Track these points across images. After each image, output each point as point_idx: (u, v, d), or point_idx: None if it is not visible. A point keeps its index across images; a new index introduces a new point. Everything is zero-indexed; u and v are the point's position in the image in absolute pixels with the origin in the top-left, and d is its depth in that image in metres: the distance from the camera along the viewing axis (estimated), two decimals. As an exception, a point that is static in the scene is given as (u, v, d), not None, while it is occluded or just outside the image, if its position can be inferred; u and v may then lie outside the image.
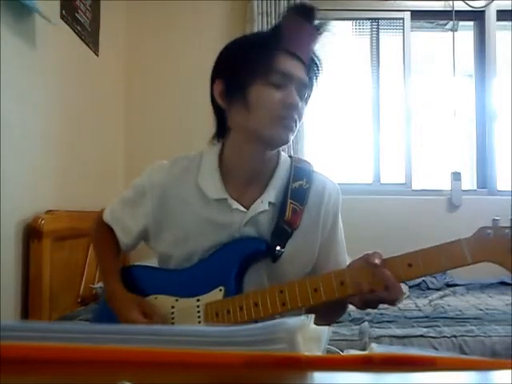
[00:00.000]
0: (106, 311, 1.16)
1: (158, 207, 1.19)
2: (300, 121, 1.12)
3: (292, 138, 1.12)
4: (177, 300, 1.15)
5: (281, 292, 1.06)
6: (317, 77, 1.15)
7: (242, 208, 1.15)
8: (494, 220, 1.01)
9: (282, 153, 1.23)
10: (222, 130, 1.20)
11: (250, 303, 1.07)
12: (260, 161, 1.16)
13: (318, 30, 1.10)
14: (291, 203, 1.15)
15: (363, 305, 1.04)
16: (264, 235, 1.14)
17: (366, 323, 2.01)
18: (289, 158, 1.24)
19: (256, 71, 1.07)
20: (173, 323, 1.14)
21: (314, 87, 1.15)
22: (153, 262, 1.29)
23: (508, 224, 1.00)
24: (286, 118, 1.08)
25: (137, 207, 1.23)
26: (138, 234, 1.24)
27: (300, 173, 1.20)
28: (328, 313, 1.16)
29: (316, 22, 1.10)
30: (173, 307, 1.15)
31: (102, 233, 1.28)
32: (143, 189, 1.22)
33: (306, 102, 1.15)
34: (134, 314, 1.11)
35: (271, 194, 1.16)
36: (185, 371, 0.41)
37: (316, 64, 1.14)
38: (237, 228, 1.15)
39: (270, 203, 1.16)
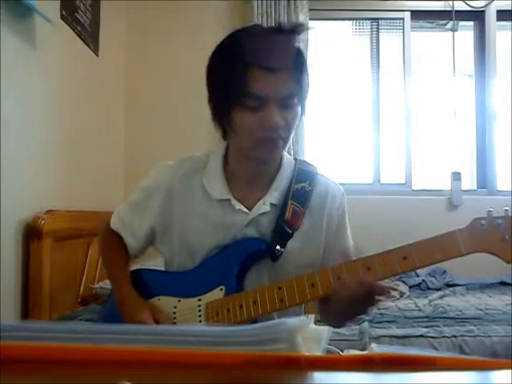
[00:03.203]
0: (114, 314, 1.15)
1: (165, 207, 1.20)
2: (293, 127, 1.10)
3: (281, 151, 1.14)
4: (179, 301, 1.16)
5: (279, 289, 1.07)
6: (306, 76, 1.11)
7: (244, 209, 1.15)
8: (488, 211, 1.02)
9: (286, 154, 1.23)
10: (224, 133, 1.19)
11: (249, 301, 1.08)
12: (259, 165, 1.17)
13: (288, 35, 1.07)
14: (292, 204, 1.15)
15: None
16: (265, 235, 1.15)
17: (366, 323, 2.01)
18: (293, 160, 1.24)
19: (232, 98, 1.06)
20: (175, 323, 1.14)
21: (306, 84, 1.11)
22: (155, 264, 1.29)
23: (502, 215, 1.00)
24: (267, 140, 1.07)
25: (144, 210, 1.23)
26: (147, 236, 1.23)
27: (303, 175, 1.20)
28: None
29: (282, 27, 1.07)
30: (175, 308, 1.16)
31: (110, 240, 1.28)
32: (149, 190, 1.22)
33: (303, 101, 1.11)
34: (145, 319, 1.10)
35: (274, 195, 1.17)
36: (185, 371, 0.41)
37: (300, 65, 1.09)
38: (239, 229, 1.15)
39: (271, 204, 1.16)
